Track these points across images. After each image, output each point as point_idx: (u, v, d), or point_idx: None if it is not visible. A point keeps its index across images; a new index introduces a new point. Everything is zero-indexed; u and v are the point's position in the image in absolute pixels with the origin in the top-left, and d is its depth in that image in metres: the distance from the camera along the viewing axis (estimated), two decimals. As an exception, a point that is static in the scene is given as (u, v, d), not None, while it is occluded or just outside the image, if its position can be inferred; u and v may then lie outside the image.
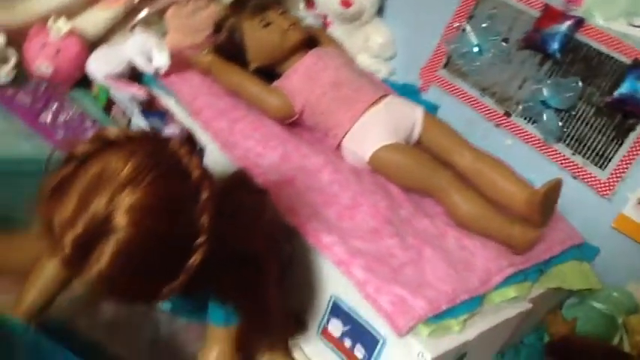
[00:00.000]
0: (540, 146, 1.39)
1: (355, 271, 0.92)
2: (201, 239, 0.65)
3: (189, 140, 0.69)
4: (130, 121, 1.18)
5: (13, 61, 1.15)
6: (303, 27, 1.29)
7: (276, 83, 1.26)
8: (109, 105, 1.23)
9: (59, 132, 1.05)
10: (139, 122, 1.14)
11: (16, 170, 0.99)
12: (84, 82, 1.28)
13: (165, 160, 0.65)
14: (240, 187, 0.85)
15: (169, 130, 0.71)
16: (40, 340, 0.74)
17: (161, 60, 1.22)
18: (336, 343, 0.95)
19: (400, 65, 1.64)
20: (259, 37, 1.25)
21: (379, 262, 0.94)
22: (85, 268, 0.61)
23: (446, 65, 1.53)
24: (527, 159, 1.38)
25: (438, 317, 0.90)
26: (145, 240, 0.61)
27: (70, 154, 0.66)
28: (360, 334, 0.91)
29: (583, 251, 1.24)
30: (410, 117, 1.22)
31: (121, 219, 0.60)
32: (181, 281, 0.65)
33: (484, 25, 1.44)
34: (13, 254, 0.94)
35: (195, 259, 0.65)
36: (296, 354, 1.00)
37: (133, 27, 1.32)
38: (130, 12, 1.31)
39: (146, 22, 1.36)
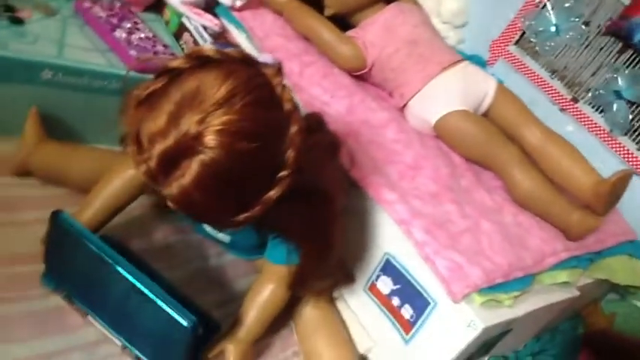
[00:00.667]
0: (604, 137, 1.35)
1: (415, 231, 0.91)
2: (284, 172, 0.64)
3: (279, 72, 0.68)
4: (200, 50, 1.16)
5: (93, -28, 1.14)
6: (385, -22, 1.25)
7: (350, 32, 1.23)
8: (179, 32, 1.22)
9: (132, 51, 1.04)
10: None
11: (87, 84, 0.99)
12: (155, 5, 1.26)
13: (260, 86, 0.64)
14: (316, 128, 0.84)
15: (261, 58, 0.69)
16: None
17: (239, -7, 1.19)
18: (383, 300, 0.95)
19: (470, 35, 1.59)
20: (341, -18, 1.22)
21: (438, 227, 0.93)
22: (166, 182, 0.61)
23: (518, 41, 1.48)
24: (588, 148, 1.32)
25: (491, 289, 0.89)
26: (230, 163, 0.60)
27: (164, 67, 0.65)
28: (411, 294, 0.91)
29: (635, 248, 1.22)
30: (482, 87, 1.19)
31: (210, 138, 0.59)
32: (256, 212, 0.64)
33: (567, 4, 1.38)
34: (76, 165, 0.94)
35: (275, 191, 0.64)
36: (339, 305, 1.00)
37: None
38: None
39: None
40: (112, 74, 1.00)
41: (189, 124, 0.59)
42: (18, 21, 0.97)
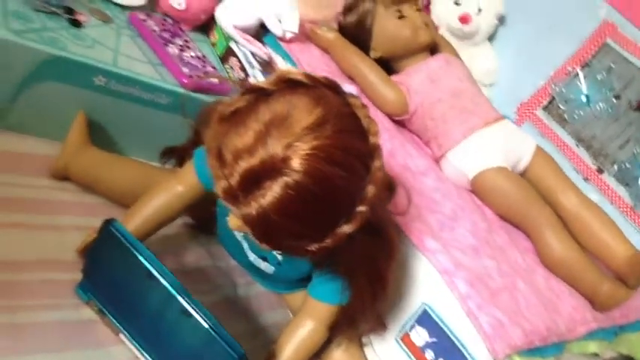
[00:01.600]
0: (627, 211, 1.36)
1: (458, 283, 0.89)
2: (362, 208, 0.63)
3: (365, 104, 0.67)
4: (246, 76, 1.16)
5: (151, -14, 1.14)
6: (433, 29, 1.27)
7: (394, 77, 1.24)
8: (226, 55, 1.21)
9: (184, 68, 1.03)
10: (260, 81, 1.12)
11: (137, 95, 0.97)
12: (202, 26, 1.26)
13: (349, 115, 0.64)
14: None
15: (346, 89, 0.69)
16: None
17: (291, 25, 1.19)
18: (416, 353, 0.92)
19: (497, 95, 1.61)
20: (391, 27, 1.23)
21: (479, 281, 0.92)
22: (245, 201, 0.60)
23: (547, 107, 1.51)
24: (610, 220, 1.35)
25: (529, 352, 0.87)
26: (314, 189, 0.59)
27: (252, 86, 0.65)
28: (447, 349, 0.88)
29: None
30: (522, 147, 1.20)
31: (297, 162, 0.58)
32: (328, 244, 0.63)
33: (599, 76, 1.42)
34: (115, 176, 0.92)
35: (350, 226, 0.63)
36: (366, 352, 0.97)
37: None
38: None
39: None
40: (163, 88, 0.98)
41: (277, 145, 0.59)
42: (77, 24, 0.96)
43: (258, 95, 0.63)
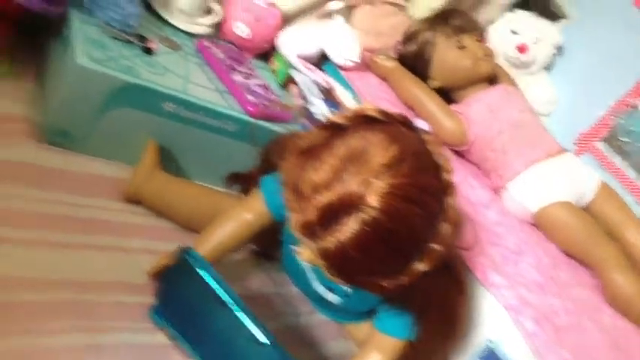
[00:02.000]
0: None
1: (525, 320, 0.87)
2: (436, 246, 0.63)
3: (438, 141, 0.67)
4: (307, 103, 1.17)
5: (219, 14, 1.16)
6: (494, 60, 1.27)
7: (454, 107, 1.23)
8: (286, 82, 1.23)
9: (249, 96, 1.04)
10: (322, 109, 1.13)
11: (204, 121, 0.99)
12: (262, 53, 1.28)
13: (424, 153, 0.64)
14: None
15: (418, 124, 0.69)
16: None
17: (352, 54, 1.21)
18: (480, 389, 0.90)
19: (556, 125, 1.58)
20: (451, 58, 1.23)
21: (546, 319, 0.90)
22: (322, 235, 0.60)
23: (607, 139, 1.48)
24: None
25: (598, 395, 0.84)
26: (391, 226, 0.60)
27: (329, 121, 0.66)
28: (512, 387, 0.86)
29: None
30: (585, 181, 1.18)
31: (374, 199, 0.59)
32: (402, 281, 0.63)
33: (661, 109, 1.38)
34: (185, 201, 0.94)
35: (425, 264, 0.63)
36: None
37: (325, 13, 1.31)
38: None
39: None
40: (230, 115, 1.00)
41: (354, 182, 0.59)
42: (149, 51, 0.99)
43: (334, 130, 0.64)
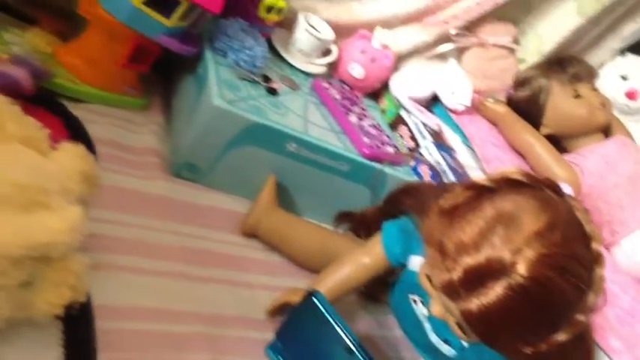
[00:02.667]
0: None
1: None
2: (581, 316, 0.62)
3: (587, 210, 0.66)
4: (416, 145, 1.18)
5: (335, 55, 1.20)
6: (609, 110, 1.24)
7: (567, 157, 1.21)
8: (395, 123, 1.25)
9: (364, 138, 1.06)
10: (432, 152, 1.14)
11: (322, 161, 1.02)
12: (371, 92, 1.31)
13: (574, 221, 0.63)
14: None
15: (565, 190, 0.68)
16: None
17: (464, 98, 1.21)
18: None
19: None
20: (566, 106, 1.21)
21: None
22: (466, 297, 0.60)
23: None
24: None
25: None
26: (538, 295, 0.59)
27: (475, 183, 0.66)
28: None
29: None
30: None
31: (524, 268, 0.58)
32: (540, 349, 0.62)
33: None
34: (300, 239, 0.96)
35: (566, 335, 0.62)
36: None
37: (436, 55, 1.32)
38: (440, 39, 1.32)
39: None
40: (345, 157, 1.02)
41: (504, 248, 0.59)
42: (273, 92, 1.03)
43: (480, 192, 0.64)
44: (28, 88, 0.81)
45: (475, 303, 0.60)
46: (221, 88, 0.93)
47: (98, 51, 0.95)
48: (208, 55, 1.00)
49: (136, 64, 0.99)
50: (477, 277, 0.59)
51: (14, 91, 0.78)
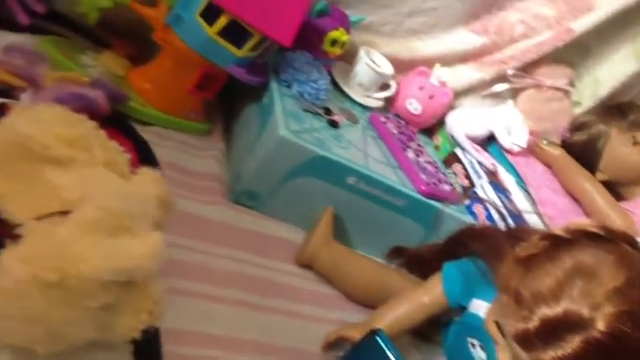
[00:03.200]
0: None
1: None
2: None
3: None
4: (470, 184, 1.18)
5: (392, 90, 1.21)
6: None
7: (623, 205, 1.19)
8: (449, 160, 1.24)
9: (422, 175, 1.06)
10: (487, 192, 1.13)
11: (379, 196, 1.02)
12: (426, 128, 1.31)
13: None
14: None
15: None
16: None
17: (521, 139, 1.21)
18: None
19: None
20: (625, 153, 1.20)
21: None
22: (540, 347, 0.59)
23: None
24: None
25: None
26: (615, 351, 0.58)
27: (548, 233, 0.66)
28: None
29: None
30: None
31: (602, 324, 0.58)
32: None
33: None
34: (355, 273, 0.96)
35: None
36: None
37: (491, 94, 1.33)
38: (496, 78, 1.32)
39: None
40: (403, 193, 1.03)
41: (582, 301, 0.58)
42: (334, 124, 1.04)
43: (557, 242, 0.64)
44: (105, 109, 0.83)
45: (550, 355, 0.59)
46: (287, 119, 0.95)
47: (168, 76, 0.98)
48: (274, 86, 1.01)
49: (202, 91, 1.01)
50: (554, 329, 0.59)
51: (91, 112, 0.80)
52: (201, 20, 0.90)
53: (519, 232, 0.78)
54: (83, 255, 0.52)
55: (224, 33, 0.91)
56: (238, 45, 0.93)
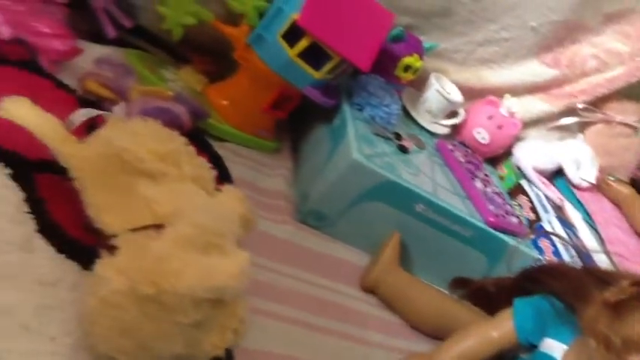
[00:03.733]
0: None
1: None
2: None
3: None
4: (537, 218, 1.16)
5: (461, 118, 1.20)
6: None
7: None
8: (514, 191, 1.23)
9: (490, 206, 1.05)
10: (555, 227, 1.11)
11: (447, 225, 1.01)
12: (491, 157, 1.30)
13: None
14: None
15: None
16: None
17: (589, 175, 1.19)
18: None
19: None
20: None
21: None
22: None
23: None
24: None
25: None
26: None
27: (635, 278, 0.64)
28: None
29: None
30: None
31: None
32: None
33: None
34: (419, 302, 0.95)
35: None
36: None
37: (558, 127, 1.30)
38: (564, 111, 1.30)
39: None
40: (470, 223, 1.01)
41: None
42: (404, 150, 1.04)
43: None
44: (187, 125, 0.85)
45: None
46: (359, 143, 0.95)
47: (244, 94, 1.00)
48: (346, 109, 1.02)
49: (276, 110, 1.02)
50: None
51: (174, 127, 0.82)
52: (282, 42, 0.91)
53: (602, 273, 0.76)
54: (179, 271, 0.52)
55: (303, 54, 0.92)
56: (316, 67, 0.94)
